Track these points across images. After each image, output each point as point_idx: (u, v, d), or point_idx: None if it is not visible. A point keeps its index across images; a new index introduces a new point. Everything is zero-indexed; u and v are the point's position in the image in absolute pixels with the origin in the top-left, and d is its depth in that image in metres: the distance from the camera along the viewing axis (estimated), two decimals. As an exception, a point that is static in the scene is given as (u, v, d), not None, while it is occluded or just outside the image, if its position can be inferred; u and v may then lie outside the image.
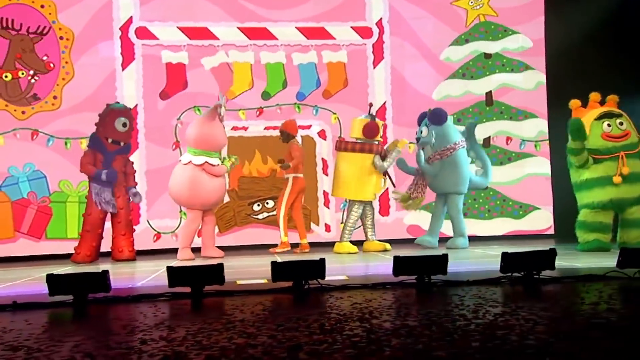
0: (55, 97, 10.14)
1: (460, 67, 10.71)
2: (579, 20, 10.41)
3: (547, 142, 10.65)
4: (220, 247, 8.95)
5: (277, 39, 10.46)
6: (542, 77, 10.76)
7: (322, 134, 10.44)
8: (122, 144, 8.93)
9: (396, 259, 4.78)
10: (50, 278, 4.34)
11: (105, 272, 4.42)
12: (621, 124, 7.79)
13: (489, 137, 10.64)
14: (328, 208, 10.42)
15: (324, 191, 10.37)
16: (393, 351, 2.72)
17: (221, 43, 10.39)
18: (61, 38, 10.21)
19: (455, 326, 3.21)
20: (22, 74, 10.12)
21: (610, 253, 6.80)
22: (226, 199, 10.24)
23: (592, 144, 7.77)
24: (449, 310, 3.69)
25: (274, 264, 4.70)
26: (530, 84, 10.75)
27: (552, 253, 4.80)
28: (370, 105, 9.11)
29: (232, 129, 10.19)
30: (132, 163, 9.26)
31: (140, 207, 10.15)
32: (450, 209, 9.05)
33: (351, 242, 8.78)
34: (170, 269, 4.57)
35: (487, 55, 10.76)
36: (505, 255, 4.77)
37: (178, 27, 10.34)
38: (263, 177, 10.32)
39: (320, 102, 10.47)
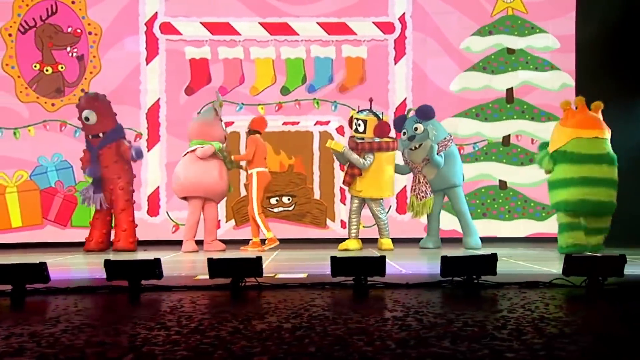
0: (83, 90, 10.47)
1: (481, 60, 10.48)
2: (612, 16, 10.05)
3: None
4: (234, 241, 9.17)
5: (298, 34, 10.50)
6: (567, 79, 10.40)
7: (340, 130, 10.42)
8: (101, 134, 8.99)
9: (333, 259, 4.75)
10: (-12, 267, 4.51)
11: (43, 264, 4.57)
12: None
13: (509, 135, 10.38)
14: (344, 204, 10.38)
15: (340, 187, 10.34)
16: (224, 353, 2.73)
17: (242, 38, 10.51)
18: (90, 33, 10.57)
19: (323, 331, 3.18)
20: (62, 67, 10.51)
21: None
22: (243, 192, 10.40)
23: None
24: (342, 314, 3.66)
25: (210, 261, 4.75)
26: (555, 84, 10.41)
27: (492, 258, 4.68)
28: (371, 100, 9.00)
29: (251, 124, 10.32)
30: (123, 144, 9.05)
31: (160, 198, 10.43)
32: (455, 203, 8.91)
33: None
34: (107, 262, 4.69)
35: (511, 51, 10.49)
36: (444, 259, 4.68)
37: (201, 23, 10.51)
38: (280, 171, 10.37)
39: (338, 98, 10.45)
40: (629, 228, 8.48)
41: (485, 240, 9.81)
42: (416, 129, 8.82)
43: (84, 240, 9.86)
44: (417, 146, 8.80)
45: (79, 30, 10.51)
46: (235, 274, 4.73)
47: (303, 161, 10.45)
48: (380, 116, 8.78)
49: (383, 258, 4.72)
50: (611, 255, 4.71)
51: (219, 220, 10.22)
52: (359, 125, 8.72)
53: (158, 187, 10.45)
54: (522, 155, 10.38)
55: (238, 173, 10.21)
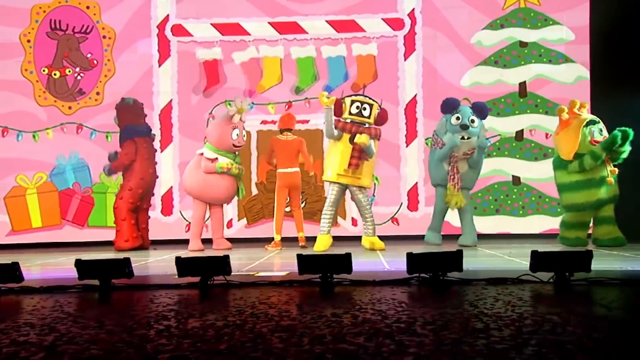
0: (98, 93, 10.70)
1: (493, 54, 10.31)
2: (627, 5, 9.83)
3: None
4: (246, 239, 9.45)
5: (307, 33, 10.52)
6: (583, 71, 10.15)
7: (349, 127, 10.37)
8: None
9: (299, 257, 4.76)
10: (-38, 267, 4.64)
11: (16, 264, 4.68)
12: (601, 130, 7.98)
13: (522, 130, 10.21)
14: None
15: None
16: (133, 351, 2.77)
17: (252, 38, 10.57)
18: (104, 37, 10.75)
19: (250, 329, 3.19)
20: (69, 71, 10.75)
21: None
22: (254, 191, 10.47)
23: (582, 149, 7.89)
24: (284, 311, 3.66)
25: (178, 260, 4.80)
26: (569, 77, 10.17)
27: (458, 255, 4.62)
28: (364, 86, 8.77)
29: (261, 123, 10.40)
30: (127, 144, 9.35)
31: (173, 198, 10.58)
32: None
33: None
34: (78, 262, 4.78)
35: (523, 44, 10.30)
36: (410, 256, 4.65)
37: (211, 24, 10.60)
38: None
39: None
40: (630, 227, 8.27)
41: (498, 237, 9.74)
42: (473, 120, 8.44)
43: (100, 239, 10.21)
44: (467, 137, 8.38)
45: (95, 62, 10.70)
46: (203, 273, 4.78)
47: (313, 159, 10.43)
48: (380, 104, 8.54)
49: (349, 255, 4.71)
50: (578, 251, 4.61)
51: (231, 219, 10.37)
52: (365, 108, 8.29)
53: (171, 187, 10.59)
54: (536, 150, 10.18)
55: (249, 173, 10.29)
